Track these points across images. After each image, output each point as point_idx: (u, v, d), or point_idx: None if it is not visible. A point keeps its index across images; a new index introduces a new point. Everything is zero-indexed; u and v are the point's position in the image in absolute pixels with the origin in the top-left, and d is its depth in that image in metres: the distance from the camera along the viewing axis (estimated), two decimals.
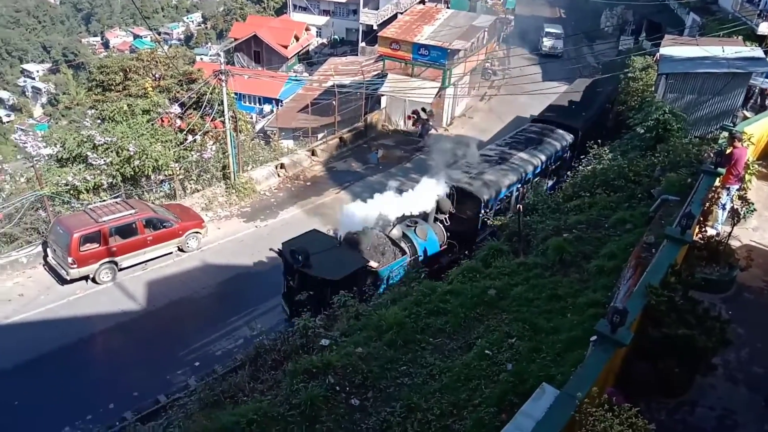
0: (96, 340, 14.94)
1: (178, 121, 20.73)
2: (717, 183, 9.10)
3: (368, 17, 46.85)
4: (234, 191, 21.77)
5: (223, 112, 20.88)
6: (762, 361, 7.02)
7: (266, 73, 43.03)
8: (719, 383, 6.49)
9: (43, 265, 17.15)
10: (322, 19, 54.55)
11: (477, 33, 31.07)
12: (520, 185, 18.06)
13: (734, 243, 8.80)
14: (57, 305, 15.73)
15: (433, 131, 28.96)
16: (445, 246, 16.33)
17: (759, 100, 16.37)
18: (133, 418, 11.01)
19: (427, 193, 15.87)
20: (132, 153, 18.20)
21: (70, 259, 15.72)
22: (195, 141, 20.64)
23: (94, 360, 14.50)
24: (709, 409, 6.18)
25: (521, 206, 12.43)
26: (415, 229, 15.67)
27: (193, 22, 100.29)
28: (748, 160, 9.85)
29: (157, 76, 22.53)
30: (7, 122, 79.63)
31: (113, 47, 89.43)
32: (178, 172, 20.34)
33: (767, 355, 7.14)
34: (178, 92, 21.99)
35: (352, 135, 27.96)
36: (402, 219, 16.00)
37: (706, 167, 9.32)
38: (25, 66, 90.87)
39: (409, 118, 29.43)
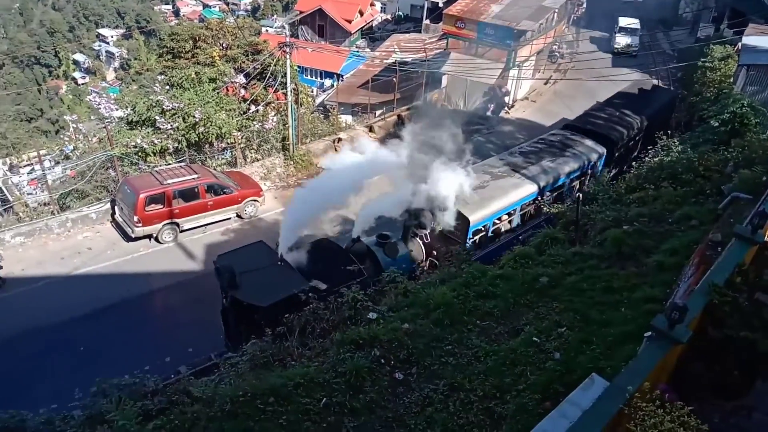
0: (156, 296, 15.69)
1: (242, 91, 21.21)
2: None
3: None
4: (292, 162, 22.17)
5: (285, 84, 21.18)
6: None
7: (329, 47, 43.18)
8: None
9: (111, 222, 18.09)
10: None
11: (546, 14, 30.10)
12: (524, 203, 15.45)
13: None
14: (122, 260, 16.59)
15: (502, 111, 28.36)
16: (425, 266, 13.77)
17: None
18: (187, 372, 11.60)
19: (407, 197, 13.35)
20: (197, 119, 18.80)
21: (135, 218, 16.50)
22: (257, 111, 21.08)
23: (154, 314, 15.27)
24: (767, 416, 5.94)
25: (580, 195, 12.10)
26: (385, 245, 13.41)
27: None
28: None
29: (224, 45, 23.04)
30: (83, 84, 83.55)
31: (184, 15, 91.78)
32: (239, 141, 20.87)
33: None
34: (243, 62, 22.45)
35: (410, 113, 27.83)
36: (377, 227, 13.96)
37: None
38: (101, 31, 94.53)
39: (485, 94, 28.64)
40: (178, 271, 16.44)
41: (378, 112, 28.80)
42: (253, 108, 20.96)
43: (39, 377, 12.23)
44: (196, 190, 17.54)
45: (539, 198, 15.53)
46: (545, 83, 33.25)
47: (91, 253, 16.85)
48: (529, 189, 15.41)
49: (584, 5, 45.61)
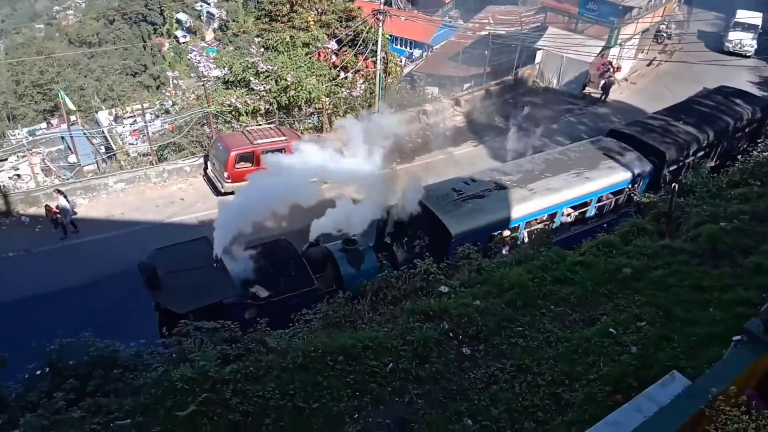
0: None
1: (333, 57, 21.44)
2: None
3: None
4: None
5: (375, 52, 21.21)
6: None
7: (422, 16, 42.62)
8: None
9: (203, 176, 19.07)
10: None
11: None
12: (529, 220, 13.46)
13: None
14: (210, 213, 17.47)
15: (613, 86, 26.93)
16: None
17: None
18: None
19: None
20: (289, 83, 19.27)
21: (225, 174, 17.30)
22: (346, 78, 21.30)
23: None
24: None
25: (676, 185, 11.39)
26: (350, 252, 12.02)
27: None
28: None
29: (319, 10, 23.31)
30: (183, 43, 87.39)
31: None
32: (327, 107, 21.23)
33: None
34: (336, 28, 22.65)
35: (500, 88, 27.12)
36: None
37: None
38: None
39: (597, 69, 27.22)
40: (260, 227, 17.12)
41: (466, 86, 28.26)
42: (342, 75, 21.18)
43: (128, 315, 12.82)
44: (282, 151, 18.08)
45: (547, 218, 13.61)
46: (648, 65, 31.24)
47: (184, 203, 17.88)
48: (535, 206, 13.34)
49: None
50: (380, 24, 20.65)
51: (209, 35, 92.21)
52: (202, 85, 19.57)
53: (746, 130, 17.95)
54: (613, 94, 28.16)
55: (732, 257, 9.11)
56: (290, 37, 20.73)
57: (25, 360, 7.71)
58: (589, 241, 10.80)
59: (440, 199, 12.90)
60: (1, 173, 20.47)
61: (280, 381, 7.10)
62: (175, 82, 23.91)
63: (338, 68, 21.21)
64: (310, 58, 20.68)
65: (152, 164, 18.90)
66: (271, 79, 19.34)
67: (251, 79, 19.31)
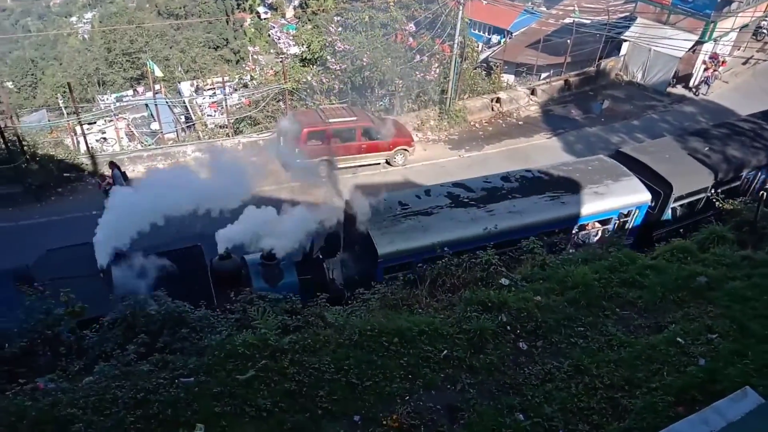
0: None
1: (410, 39, 21.32)
2: None
3: None
4: (446, 117, 22.12)
5: (453, 36, 20.92)
6: None
7: (503, 1, 41.55)
8: None
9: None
10: None
11: None
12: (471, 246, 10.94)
13: None
14: (281, 187, 17.94)
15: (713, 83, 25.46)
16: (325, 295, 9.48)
17: None
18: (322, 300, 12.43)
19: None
20: (364, 64, 19.35)
21: (297, 150, 17.68)
22: (421, 61, 21.15)
23: None
24: None
25: (765, 193, 10.66)
26: (266, 267, 10.91)
27: None
28: None
29: None
30: (264, 19, 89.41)
31: None
32: (399, 89, 21.20)
33: None
34: (416, 10, 22.48)
35: (579, 80, 26.16)
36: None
37: None
38: None
39: (703, 63, 25.84)
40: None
41: (543, 75, 27.45)
42: (417, 57, 21.05)
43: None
44: (353, 132, 18.28)
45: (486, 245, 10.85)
46: (744, 63, 29.19)
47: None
48: (475, 230, 11.67)
49: None
50: (460, 7, 20.32)
51: (290, 12, 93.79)
52: (281, 61, 20.02)
53: None
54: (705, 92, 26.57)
55: None
56: (369, 17, 20.78)
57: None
58: None
59: (379, 214, 11.67)
60: (90, 135, 21.71)
61: (335, 356, 7.27)
62: (254, 57, 24.56)
63: (414, 51, 21.08)
64: (387, 39, 20.67)
65: (228, 136, 19.56)
66: (347, 59, 19.51)
67: (328, 57, 19.56)
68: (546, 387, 7.02)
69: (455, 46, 20.94)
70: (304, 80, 19.53)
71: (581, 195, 12.82)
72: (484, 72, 26.15)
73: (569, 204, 12.58)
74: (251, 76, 23.12)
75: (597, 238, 13.04)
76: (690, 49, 25.18)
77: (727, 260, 9.31)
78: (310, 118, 18.08)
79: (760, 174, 14.63)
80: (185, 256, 10.50)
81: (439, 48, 21.66)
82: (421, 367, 7.27)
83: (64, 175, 16.93)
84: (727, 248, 9.87)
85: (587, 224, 12.98)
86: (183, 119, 27.67)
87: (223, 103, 20.76)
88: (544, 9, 42.19)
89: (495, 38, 41.81)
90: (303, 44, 20.93)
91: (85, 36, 50.89)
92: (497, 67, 27.47)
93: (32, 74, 54.66)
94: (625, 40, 26.80)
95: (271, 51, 26.56)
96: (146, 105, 33.26)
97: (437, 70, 21.55)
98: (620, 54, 27.47)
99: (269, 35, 35.35)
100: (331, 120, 17.90)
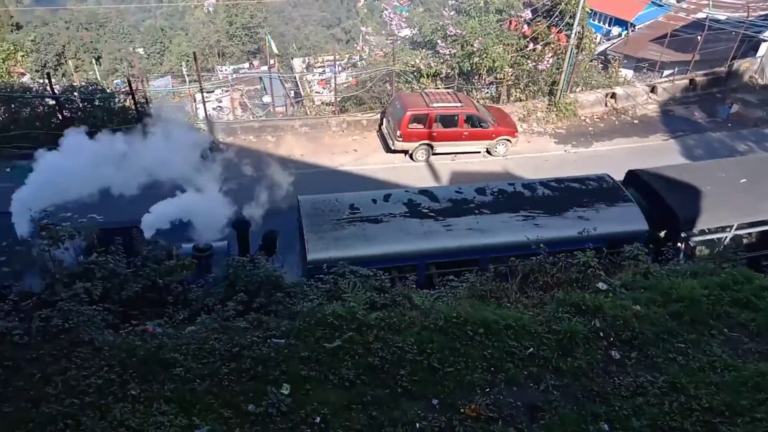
0: None
1: (525, 27, 20.68)
2: None
3: None
4: (555, 109, 21.33)
5: (571, 25, 20.03)
6: None
7: None
8: None
9: (377, 131, 19.87)
10: None
11: None
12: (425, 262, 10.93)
13: None
14: (378, 167, 18.25)
15: None
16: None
17: None
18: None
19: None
20: (475, 49, 19.04)
21: (398, 132, 17.83)
22: (534, 50, 20.47)
23: None
24: None
25: None
26: (197, 260, 9.78)
27: None
28: None
29: None
30: (377, 0, 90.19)
31: None
32: (508, 78, 20.69)
33: None
34: None
35: (707, 80, 24.19)
36: None
37: None
38: None
39: None
40: None
41: (666, 72, 25.63)
42: (531, 46, 20.39)
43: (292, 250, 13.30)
44: (456, 118, 18.11)
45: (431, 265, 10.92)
46: None
47: (356, 154, 18.85)
48: (420, 246, 10.81)
49: None
50: None
51: None
52: (391, 43, 20.15)
53: None
54: None
55: None
56: (484, 1, 20.37)
57: None
58: None
59: (323, 215, 11.19)
60: (208, 103, 23.10)
61: (419, 337, 7.34)
62: (366, 37, 24.91)
63: (528, 39, 20.43)
64: (500, 25, 20.18)
65: (334, 114, 20.07)
66: (458, 44, 19.28)
67: (438, 41, 19.43)
68: (636, 400, 6.68)
69: (572, 36, 20.04)
70: (412, 63, 19.54)
71: (562, 218, 11.62)
72: (600, 65, 24.87)
73: (544, 227, 11.26)
74: (360, 56, 23.48)
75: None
76: None
77: None
78: (414, 101, 18.13)
79: None
80: (118, 236, 9.36)
81: (555, 37, 20.81)
82: (505, 361, 7.16)
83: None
84: None
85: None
86: (292, 94, 28.73)
87: (332, 81, 21.27)
88: (674, 1, 39.28)
89: (616, 30, 39.63)
90: (414, 27, 20.93)
91: (210, 9, 53.99)
92: (616, 60, 26.00)
93: (161, 42, 58.99)
94: (765, 40, 24.35)
95: (383, 32, 26.76)
96: (260, 78, 34.87)
97: (550, 60, 20.75)
98: (757, 55, 25.05)
99: (381, 16, 35.66)
100: (434, 104, 17.84)
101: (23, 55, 24.54)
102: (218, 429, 5.95)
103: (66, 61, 51.92)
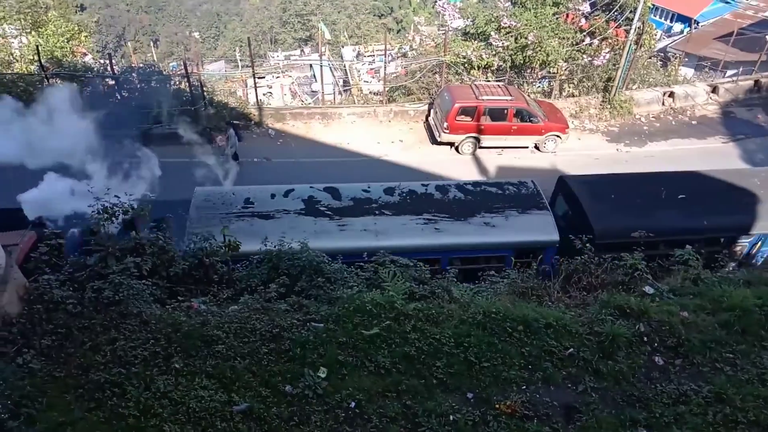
0: None
1: (582, 21, 20.13)
2: None
3: None
4: (609, 107, 20.72)
5: (631, 20, 19.37)
6: None
7: None
8: None
9: (424, 122, 19.77)
10: None
11: None
12: None
13: None
14: (423, 159, 18.17)
15: None
16: None
17: None
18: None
19: None
20: (528, 42, 18.67)
21: (445, 124, 17.70)
22: (591, 45, 19.92)
23: None
24: None
25: None
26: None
27: None
28: None
29: None
30: None
31: None
32: (562, 72, 20.21)
33: None
34: None
35: None
36: None
37: None
38: None
39: None
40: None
41: (730, 72, 24.50)
42: (587, 40, 19.84)
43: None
44: (505, 111, 17.83)
45: None
46: None
47: (402, 145, 18.82)
48: (318, 244, 9.53)
49: None
50: None
51: None
52: (443, 33, 19.95)
53: None
54: None
55: None
56: None
57: None
58: None
59: (213, 208, 10.93)
60: (259, 89, 23.49)
61: (456, 330, 7.32)
62: (417, 27, 24.76)
63: (584, 33, 19.88)
64: (557, 18, 19.68)
65: (382, 103, 20.08)
66: (511, 36, 18.92)
67: (491, 33, 19.12)
68: (678, 408, 6.50)
69: (632, 31, 19.36)
70: (464, 54, 19.30)
71: (466, 223, 11.20)
72: (659, 62, 23.98)
73: (444, 232, 10.87)
74: (411, 46, 23.33)
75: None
76: None
77: None
78: (463, 93, 17.93)
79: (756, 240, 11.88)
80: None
81: (613, 32, 20.17)
82: (543, 360, 7.08)
83: (234, 122, 18.54)
84: None
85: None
86: (341, 83, 28.87)
87: (381, 70, 21.26)
88: None
89: (678, 27, 38.10)
90: (468, 17, 20.65)
91: None
92: (676, 58, 25.00)
93: (216, 27, 60.31)
94: None
95: (435, 23, 26.53)
96: (310, 66, 35.18)
97: (607, 56, 20.12)
98: None
99: (434, 6, 35.37)
100: (484, 97, 17.61)
101: (87, 36, 25.49)
102: (256, 407, 6.10)
103: (125, 42, 53.74)
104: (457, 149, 18.34)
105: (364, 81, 28.40)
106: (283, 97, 24.97)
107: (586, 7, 20.10)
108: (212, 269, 8.59)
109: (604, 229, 11.24)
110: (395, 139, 19.08)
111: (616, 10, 19.63)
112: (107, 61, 18.38)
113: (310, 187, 12.00)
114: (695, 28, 32.83)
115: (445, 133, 17.89)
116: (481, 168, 17.99)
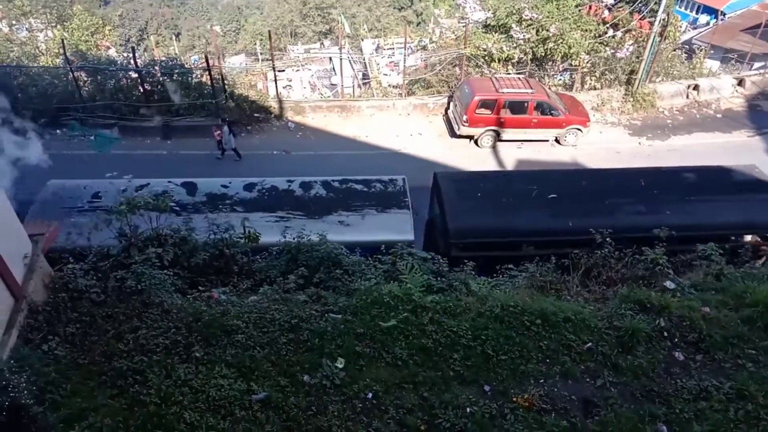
0: None
1: (606, 12, 19.82)
2: None
3: None
4: (631, 100, 20.38)
5: (655, 11, 19.01)
6: None
7: None
8: None
9: (443, 115, 19.68)
10: None
11: None
12: None
13: None
14: (441, 152, 18.09)
15: None
16: None
17: None
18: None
19: None
20: (550, 35, 18.45)
21: (464, 117, 17.59)
22: (614, 37, 19.61)
23: None
24: None
25: None
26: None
27: None
28: None
29: None
30: None
31: None
32: (584, 65, 19.94)
33: None
34: None
35: None
36: None
37: None
38: None
39: None
40: None
41: (757, 65, 23.95)
42: (610, 32, 19.54)
43: None
44: (525, 104, 17.66)
45: None
46: None
47: (420, 138, 18.76)
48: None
49: None
50: None
51: None
52: (463, 26, 19.81)
53: None
54: None
55: None
56: None
57: None
58: None
59: (59, 202, 10.75)
60: (279, 82, 23.60)
61: (474, 323, 7.33)
62: (438, 20, 24.63)
63: (608, 25, 19.57)
64: (579, 10, 19.40)
65: (401, 96, 20.03)
66: (533, 28, 18.71)
67: (512, 25, 18.93)
68: (699, 404, 6.43)
69: (656, 23, 19.00)
70: (484, 47, 19.14)
71: (320, 221, 10.95)
72: (684, 55, 23.50)
73: (294, 229, 10.11)
74: (431, 38, 23.20)
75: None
76: None
77: None
78: (483, 86, 17.79)
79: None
80: None
81: (637, 24, 19.83)
82: (561, 354, 7.06)
83: (254, 115, 18.67)
84: None
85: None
86: (360, 76, 28.86)
87: (401, 63, 21.19)
88: None
89: (703, 18, 37.31)
90: (489, 10, 20.46)
91: None
92: (701, 50, 24.50)
93: (237, 21, 60.61)
94: None
95: (455, 15, 26.34)
96: (330, 59, 35.20)
97: (630, 48, 19.78)
98: None
99: None
100: (504, 90, 17.46)
101: (110, 30, 25.85)
102: (274, 396, 6.18)
103: (148, 36, 54.32)
104: (476, 142, 18.22)
105: (384, 74, 28.30)
106: (302, 90, 25.05)
107: None
108: (232, 260, 8.70)
109: (460, 229, 10.87)
110: (414, 132, 19.03)
111: (641, 2, 19.30)
112: (130, 55, 18.59)
113: (168, 181, 11.86)
114: (722, 20, 32.14)
115: (464, 126, 17.79)
116: (500, 162, 17.87)
